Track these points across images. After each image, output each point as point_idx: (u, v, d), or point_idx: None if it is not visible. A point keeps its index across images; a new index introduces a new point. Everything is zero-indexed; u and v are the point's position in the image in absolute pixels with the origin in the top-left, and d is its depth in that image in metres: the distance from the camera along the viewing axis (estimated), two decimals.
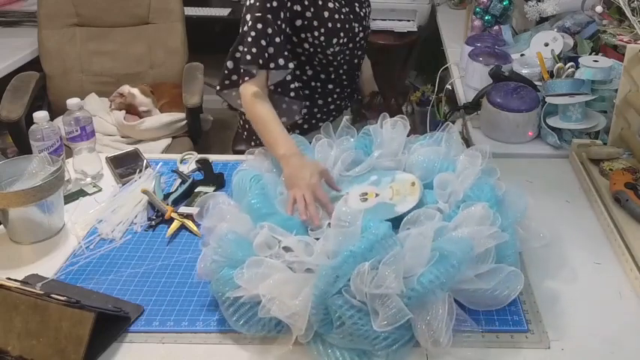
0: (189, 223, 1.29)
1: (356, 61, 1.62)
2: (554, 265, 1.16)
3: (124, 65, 2.52)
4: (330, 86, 1.59)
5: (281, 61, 1.39)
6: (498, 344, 0.99)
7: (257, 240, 1.05)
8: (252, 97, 1.38)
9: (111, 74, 2.51)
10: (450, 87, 2.17)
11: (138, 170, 1.49)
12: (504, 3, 2.25)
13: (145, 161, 1.53)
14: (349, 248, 0.96)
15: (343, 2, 1.51)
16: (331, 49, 1.49)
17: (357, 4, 1.56)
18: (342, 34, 1.49)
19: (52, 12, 2.48)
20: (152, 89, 2.43)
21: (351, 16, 1.52)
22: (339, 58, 1.54)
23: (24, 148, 2.09)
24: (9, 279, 1.04)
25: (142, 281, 1.14)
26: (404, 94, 3.34)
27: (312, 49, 1.49)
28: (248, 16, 1.39)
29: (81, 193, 1.44)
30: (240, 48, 1.41)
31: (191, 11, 2.93)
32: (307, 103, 1.56)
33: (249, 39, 1.38)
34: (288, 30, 1.43)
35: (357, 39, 1.57)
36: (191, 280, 1.14)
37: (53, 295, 0.97)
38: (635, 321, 1.04)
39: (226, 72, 1.47)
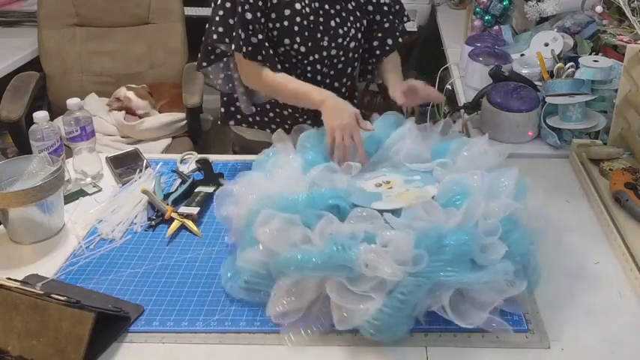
0: (189, 223, 1.29)
1: (319, 77, 1.49)
2: (555, 265, 1.16)
3: (124, 65, 2.52)
4: None
5: (253, 40, 1.37)
6: (498, 344, 0.99)
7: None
8: (256, 72, 1.41)
9: (111, 74, 2.51)
10: (450, 87, 2.17)
11: (138, 170, 1.49)
12: (504, 3, 2.25)
13: (145, 161, 1.53)
14: (312, 259, 0.97)
15: (321, 12, 1.44)
16: (282, 49, 1.44)
17: (337, 19, 1.46)
18: (297, 39, 1.42)
19: (52, 12, 2.48)
20: (152, 89, 2.43)
21: (321, 27, 1.44)
22: (294, 61, 1.46)
23: (24, 148, 2.09)
24: (9, 279, 1.04)
25: (142, 281, 1.14)
26: None
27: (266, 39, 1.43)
28: None
29: (81, 193, 1.44)
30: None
31: (191, 11, 2.93)
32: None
33: (217, 18, 1.39)
34: (262, 5, 1.38)
35: (325, 54, 1.47)
36: (191, 280, 1.14)
37: (53, 295, 0.97)
38: (635, 321, 1.04)
39: (204, 49, 1.47)
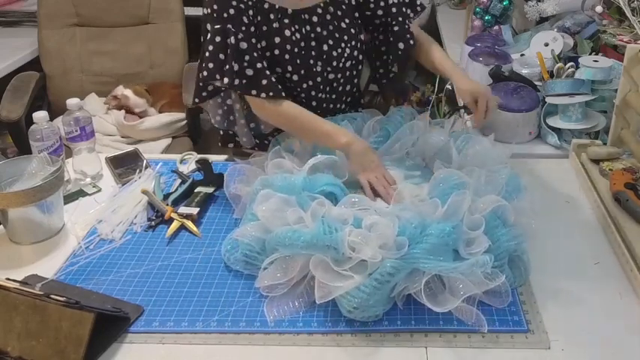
0: (189, 224, 1.29)
1: (314, 103, 1.46)
2: (555, 265, 1.16)
3: (124, 65, 2.52)
4: None
5: (249, 72, 1.31)
6: (498, 344, 0.99)
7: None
8: (270, 106, 1.35)
9: (111, 74, 2.51)
10: (450, 87, 2.16)
11: (138, 170, 1.49)
12: (504, 3, 2.25)
13: (144, 161, 1.53)
14: (301, 238, 1.03)
15: (312, 35, 1.40)
16: (274, 75, 1.38)
17: (330, 42, 1.42)
18: (289, 68, 1.38)
19: (52, 12, 2.48)
20: (151, 89, 2.43)
21: (313, 53, 1.40)
22: (288, 85, 1.41)
23: (24, 148, 2.09)
24: (8, 279, 1.04)
25: (142, 281, 1.14)
26: (404, 94, 3.34)
27: None
28: (208, 26, 1.32)
29: (80, 193, 1.44)
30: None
31: (191, 11, 2.92)
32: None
33: (207, 54, 1.32)
34: (255, 32, 1.34)
35: (319, 79, 1.43)
36: (191, 281, 1.14)
37: (53, 296, 0.97)
38: (635, 321, 1.04)
39: (197, 85, 1.41)
